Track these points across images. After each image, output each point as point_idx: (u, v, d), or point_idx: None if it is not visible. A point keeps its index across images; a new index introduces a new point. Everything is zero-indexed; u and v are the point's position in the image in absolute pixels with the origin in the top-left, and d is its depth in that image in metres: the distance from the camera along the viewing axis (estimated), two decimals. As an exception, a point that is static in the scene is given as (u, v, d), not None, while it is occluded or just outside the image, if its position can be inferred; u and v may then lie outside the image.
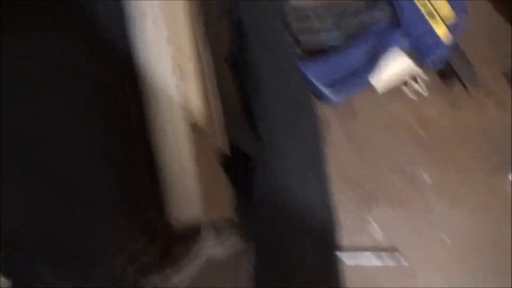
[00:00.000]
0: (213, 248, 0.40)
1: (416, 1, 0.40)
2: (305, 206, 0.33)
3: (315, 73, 0.40)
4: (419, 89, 0.43)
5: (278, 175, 0.34)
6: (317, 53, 0.41)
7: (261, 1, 0.36)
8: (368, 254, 0.39)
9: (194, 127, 0.41)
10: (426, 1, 0.40)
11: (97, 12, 0.40)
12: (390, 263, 0.39)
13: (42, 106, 0.37)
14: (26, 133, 0.36)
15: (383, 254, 0.40)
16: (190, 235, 0.40)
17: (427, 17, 0.40)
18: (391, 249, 0.39)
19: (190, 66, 0.42)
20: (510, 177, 0.41)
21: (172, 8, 0.43)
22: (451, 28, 0.39)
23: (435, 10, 0.40)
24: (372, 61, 0.40)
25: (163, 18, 0.43)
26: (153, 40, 0.43)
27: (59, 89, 0.37)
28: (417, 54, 0.41)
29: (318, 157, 0.33)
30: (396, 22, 0.40)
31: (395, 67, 0.41)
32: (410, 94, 0.43)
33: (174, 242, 0.40)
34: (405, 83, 0.43)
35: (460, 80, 0.41)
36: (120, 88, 0.40)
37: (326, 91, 0.40)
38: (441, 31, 0.39)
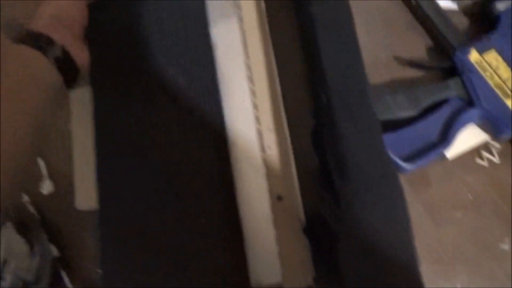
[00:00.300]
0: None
1: (486, 78, 0.42)
2: (393, 279, 0.35)
3: (390, 146, 0.42)
4: (491, 157, 0.44)
5: (363, 247, 0.36)
6: (391, 126, 0.43)
7: (348, 80, 0.39)
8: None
9: (276, 196, 0.45)
10: (496, 78, 0.42)
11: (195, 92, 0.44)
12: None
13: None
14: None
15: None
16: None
17: (498, 92, 0.41)
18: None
19: (273, 139, 0.46)
20: None
21: (261, 88, 0.47)
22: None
23: (507, 84, 0.42)
24: (445, 135, 0.42)
25: (252, 96, 0.47)
26: (241, 119, 0.47)
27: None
28: (491, 128, 0.42)
29: (407, 230, 0.35)
30: (469, 99, 0.42)
31: (468, 139, 0.43)
32: (482, 162, 0.44)
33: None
34: (477, 151, 0.45)
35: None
36: (213, 162, 0.43)
37: (400, 162, 0.42)
38: (515, 106, 0.41)
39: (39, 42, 0.40)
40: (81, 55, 0.44)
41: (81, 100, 0.48)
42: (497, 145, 0.44)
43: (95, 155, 0.45)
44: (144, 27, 0.48)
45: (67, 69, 0.42)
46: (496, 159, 0.44)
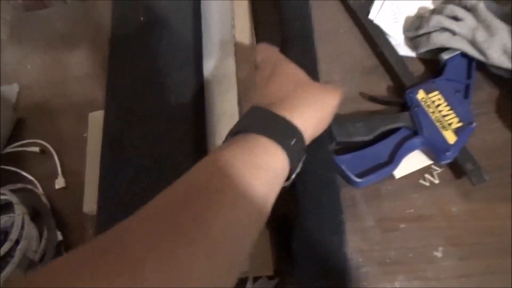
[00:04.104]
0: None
1: (429, 113, 0.51)
2: (330, 258, 0.44)
3: (347, 164, 0.51)
4: (432, 178, 0.52)
5: (309, 235, 0.44)
6: (349, 149, 0.52)
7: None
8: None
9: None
10: (437, 113, 0.51)
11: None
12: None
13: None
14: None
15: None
16: None
17: (438, 125, 0.50)
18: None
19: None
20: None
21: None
22: (458, 134, 0.49)
23: (445, 119, 0.50)
24: (393, 158, 0.50)
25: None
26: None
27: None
28: (432, 154, 0.51)
29: (340, 226, 0.44)
30: (415, 129, 0.51)
31: (414, 163, 0.52)
32: (424, 182, 0.52)
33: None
34: (421, 173, 0.53)
35: (467, 176, 0.50)
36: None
37: (355, 178, 0.50)
38: (450, 137, 0.49)
39: None
40: None
41: (96, 123, 0.57)
42: (437, 168, 0.52)
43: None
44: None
45: None
46: (436, 181, 0.52)
